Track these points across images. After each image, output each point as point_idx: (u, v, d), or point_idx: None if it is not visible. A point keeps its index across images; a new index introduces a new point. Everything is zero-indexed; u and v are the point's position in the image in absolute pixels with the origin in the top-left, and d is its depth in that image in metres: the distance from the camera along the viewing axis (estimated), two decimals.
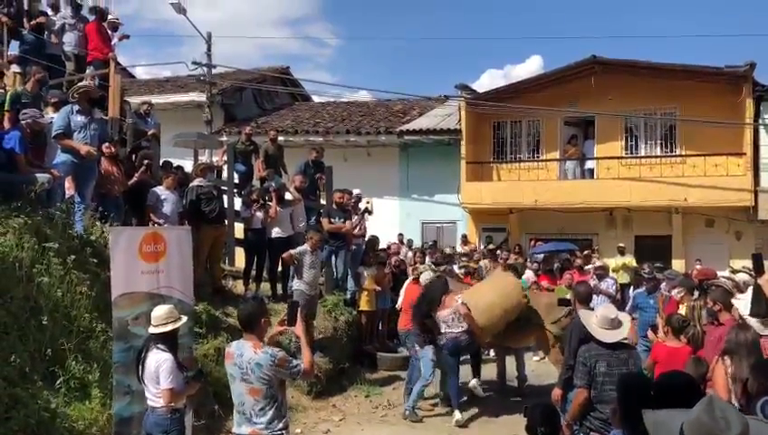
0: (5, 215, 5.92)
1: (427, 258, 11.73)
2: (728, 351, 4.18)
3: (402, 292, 9.45)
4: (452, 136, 16.71)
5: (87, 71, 10.18)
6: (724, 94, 14.37)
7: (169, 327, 4.53)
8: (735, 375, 3.99)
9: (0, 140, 6.37)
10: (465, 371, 8.22)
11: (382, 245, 11.76)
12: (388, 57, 64.84)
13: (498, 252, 13.64)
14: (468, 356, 8.58)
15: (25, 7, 10.40)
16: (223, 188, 9.78)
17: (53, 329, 5.42)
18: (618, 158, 15.85)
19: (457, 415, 7.52)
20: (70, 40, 10.26)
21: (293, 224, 9.82)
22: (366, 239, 11.06)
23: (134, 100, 12.14)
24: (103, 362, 5.48)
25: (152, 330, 4.55)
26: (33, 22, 10.09)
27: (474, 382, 8.49)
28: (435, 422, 7.67)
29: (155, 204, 7.97)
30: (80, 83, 7.83)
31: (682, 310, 6.95)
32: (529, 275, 11.53)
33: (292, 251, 8.53)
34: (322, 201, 11.51)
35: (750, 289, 5.65)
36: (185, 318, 4.76)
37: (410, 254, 13.19)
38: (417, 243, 15.32)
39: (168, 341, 4.54)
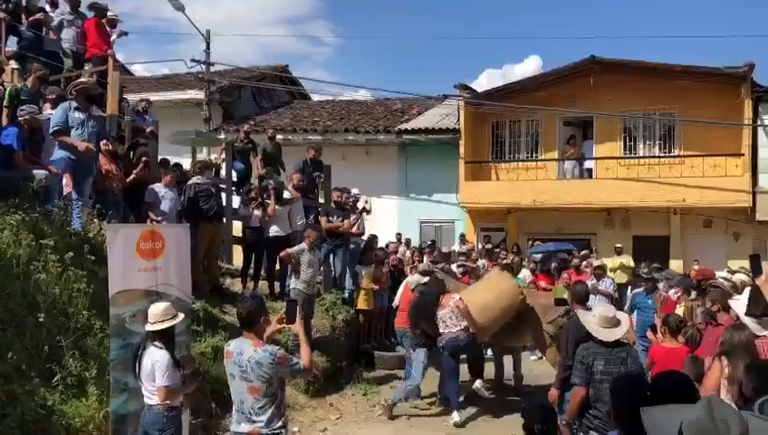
0: (3, 211, 5.91)
1: (426, 257, 11.74)
2: (725, 352, 4.18)
3: (399, 291, 9.47)
4: (451, 135, 16.69)
5: (85, 67, 10.16)
6: (722, 95, 14.38)
7: (166, 324, 4.52)
8: (732, 376, 3.99)
9: None
10: (462, 370, 8.21)
11: (380, 244, 11.76)
12: (387, 56, 64.88)
13: (497, 251, 13.67)
14: (466, 356, 8.59)
15: (23, 3, 10.37)
16: (221, 185, 9.77)
17: (50, 326, 5.40)
18: (616, 158, 15.85)
19: (456, 417, 7.52)
20: (68, 36, 10.23)
21: (292, 222, 9.81)
22: (365, 238, 11.06)
23: (132, 97, 12.12)
24: (100, 360, 5.48)
25: (149, 327, 4.54)
26: (31, 18, 10.06)
27: (478, 384, 8.42)
28: (433, 422, 7.67)
29: (153, 201, 7.96)
30: (78, 80, 7.81)
31: (679, 310, 6.98)
32: (525, 274, 11.56)
33: (289, 250, 8.52)
34: (321, 200, 11.51)
35: (747, 290, 5.65)
36: (181, 316, 4.74)
37: (408, 253, 13.21)
38: (416, 242, 15.33)
39: (165, 338, 4.53)
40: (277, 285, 9.64)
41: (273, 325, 4.28)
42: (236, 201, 10.23)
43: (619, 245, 13.91)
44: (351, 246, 10.61)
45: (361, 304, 10.08)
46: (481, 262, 12.55)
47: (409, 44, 69.59)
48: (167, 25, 65.84)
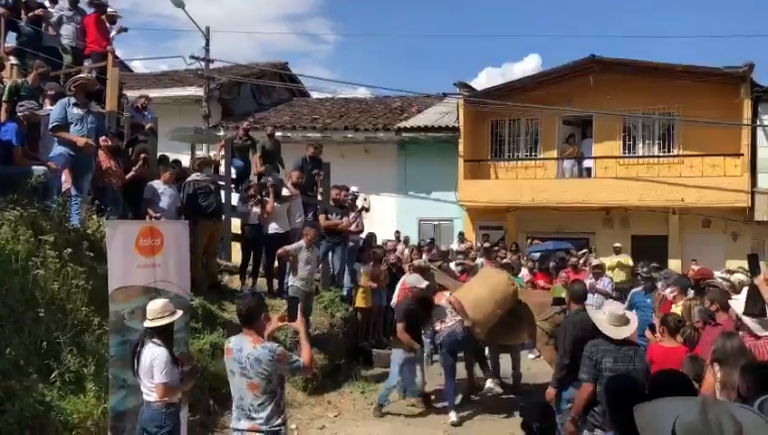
0: (1, 207, 5.91)
1: (424, 255, 11.74)
2: (717, 360, 4.20)
3: (397, 289, 9.45)
4: (450, 134, 16.69)
5: (84, 63, 10.13)
6: (722, 95, 14.39)
7: (165, 321, 4.52)
8: (725, 382, 4.00)
9: None
10: (459, 368, 8.21)
11: (379, 242, 11.75)
12: (386, 54, 64.82)
13: (495, 249, 13.67)
14: (463, 354, 8.60)
15: None
16: (220, 182, 9.76)
17: (49, 322, 5.40)
18: (615, 157, 15.87)
19: (453, 416, 7.52)
20: (67, 32, 10.20)
21: (291, 220, 9.81)
22: (364, 236, 11.06)
23: (131, 93, 12.09)
24: (99, 356, 5.47)
25: (147, 324, 4.53)
26: (30, 13, 10.03)
27: (489, 383, 8.30)
28: (430, 420, 7.67)
29: (152, 198, 7.95)
30: (77, 76, 7.79)
31: (676, 309, 6.97)
32: (524, 272, 11.57)
33: (287, 247, 8.52)
34: (320, 197, 11.50)
35: (745, 289, 5.65)
36: (180, 312, 4.74)
37: (407, 251, 13.20)
38: (415, 240, 15.32)
39: (164, 335, 4.53)
40: (276, 282, 9.64)
41: (274, 323, 4.29)
42: (235, 198, 10.23)
43: (617, 244, 13.92)
44: (350, 243, 10.61)
45: (360, 301, 10.08)
46: (479, 260, 12.54)
47: (409, 42, 69.61)
48: (166, 22, 65.77)
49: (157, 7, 67.60)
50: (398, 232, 15.24)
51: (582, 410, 4.83)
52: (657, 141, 15.94)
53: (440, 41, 67.73)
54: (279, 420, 3.97)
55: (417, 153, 17.15)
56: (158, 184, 8.06)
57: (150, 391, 4.46)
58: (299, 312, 4.37)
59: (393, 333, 7.99)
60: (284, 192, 9.94)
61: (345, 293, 10.24)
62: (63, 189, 7.09)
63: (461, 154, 16.38)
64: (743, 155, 14.27)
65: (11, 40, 9.93)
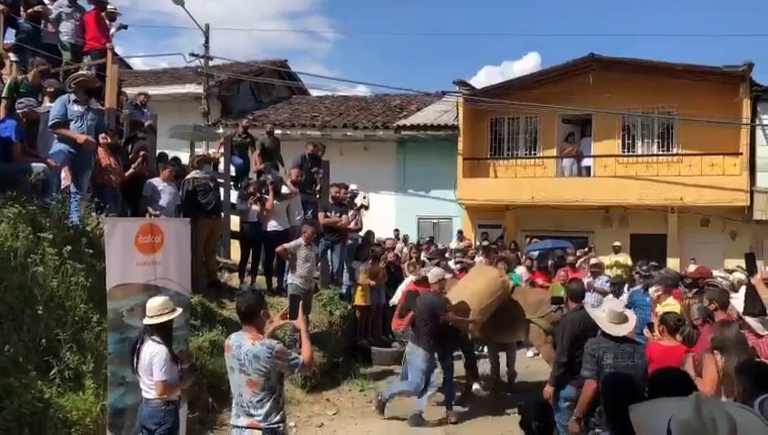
0: (0, 204, 5.89)
1: (423, 253, 11.75)
2: (717, 347, 4.22)
3: (399, 290, 9.43)
4: (449, 132, 16.69)
5: (84, 60, 10.12)
6: (721, 94, 14.39)
7: (164, 318, 4.52)
8: (727, 370, 4.02)
9: None
10: (457, 366, 8.22)
11: (378, 240, 11.75)
12: (385, 52, 64.77)
13: (494, 247, 13.67)
14: (461, 353, 8.61)
15: None
16: (219, 180, 9.76)
17: (48, 319, 5.40)
18: (615, 156, 15.87)
19: (452, 416, 7.53)
20: (66, 29, 10.16)
21: (290, 217, 9.81)
22: (362, 234, 11.06)
23: (131, 91, 12.08)
24: (97, 353, 5.48)
25: (147, 321, 4.53)
26: (29, 10, 10.01)
27: (476, 387, 8.54)
28: (429, 419, 7.66)
29: (151, 196, 7.95)
30: (77, 73, 7.78)
31: (676, 308, 6.97)
32: (521, 271, 11.56)
33: (285, 245, 8.52)
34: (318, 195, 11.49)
35: (743, 288, 5.68)
36: (180, 310, 4.75)
37: (406, 249, 13.21)
38: (413, 238, 15.31)
39: (163, 332, 4.53)
40: (275, 279, 9.64)
41: (276, 321, 4.30)
42: (234, 196, 10.23)
43: (617, 243, 13.92)
44: (349, 241, 10.60)
45: (358, 299, 10.08)
46: (478, 259, 12.54)
47: (408, 41, 69.47)
48: (165, 19, 65.72)
49: (156, 4, 67.54)
50: (397, 230, 15.24)
51: (587, 408, 4.85)
52: (656, 140, 15.95)
53: (439, 39, 67.69)
54: (278, 417, 3.98)
55: (417, 151, 17.15)
56: (157, 182, 8.06)
57: (150, 389, 4.47)
58: (300, 310, 4.39)
59: (416, 334, 7.53)
60: (284, 190, 9.94)
61: (344, 291, 10.24)
62: (63, 186, 7.09)
63: (460, 152, 16.39)
64: (742, 154, 14.29)
65: (10, 37, 9.91)
